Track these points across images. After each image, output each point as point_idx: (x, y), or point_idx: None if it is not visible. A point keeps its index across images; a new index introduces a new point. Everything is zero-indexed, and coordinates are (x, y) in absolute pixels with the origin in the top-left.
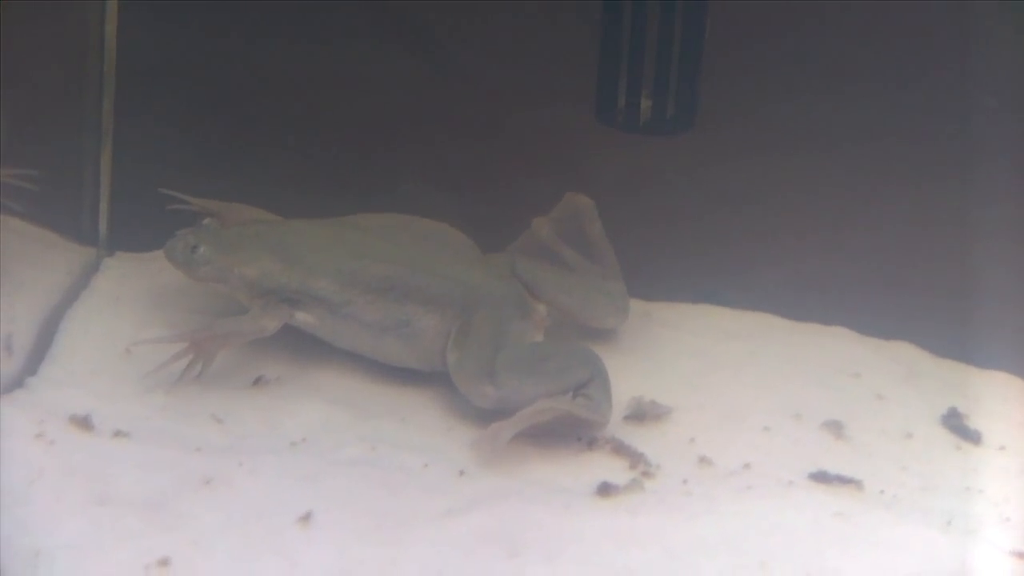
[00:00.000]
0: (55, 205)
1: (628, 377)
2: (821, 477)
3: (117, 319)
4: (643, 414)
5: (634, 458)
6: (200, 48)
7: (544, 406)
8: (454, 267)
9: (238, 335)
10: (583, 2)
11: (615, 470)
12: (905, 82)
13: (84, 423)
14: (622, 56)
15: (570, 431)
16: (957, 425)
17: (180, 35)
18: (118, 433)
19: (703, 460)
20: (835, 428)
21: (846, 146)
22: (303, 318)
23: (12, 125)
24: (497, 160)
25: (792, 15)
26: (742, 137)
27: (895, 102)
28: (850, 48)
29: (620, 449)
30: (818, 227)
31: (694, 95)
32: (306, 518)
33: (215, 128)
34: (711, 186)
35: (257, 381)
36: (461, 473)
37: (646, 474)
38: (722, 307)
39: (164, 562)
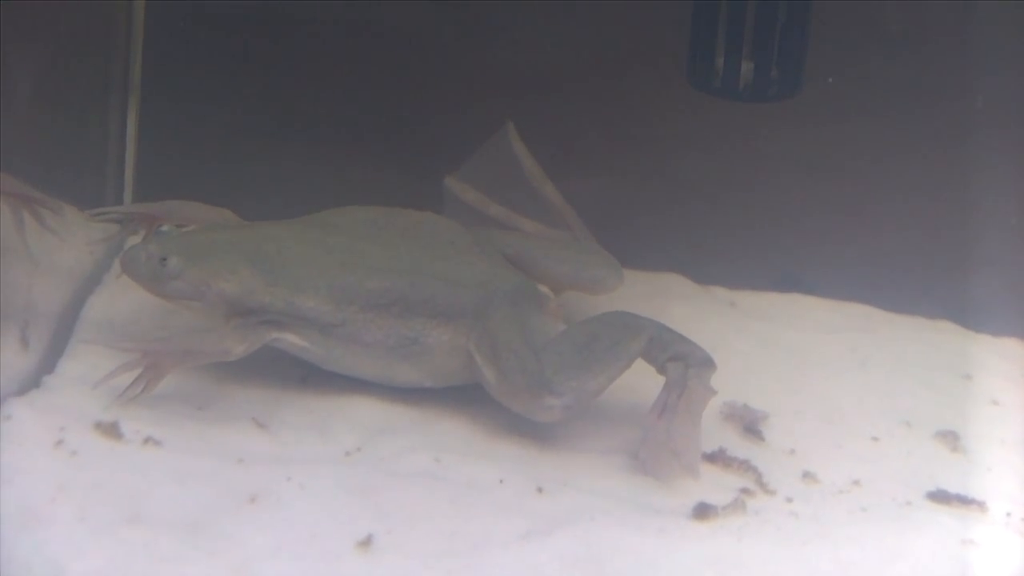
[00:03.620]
0: (77, 176)
1: (716, 377)
2: (941, 496)
3: (145, 305)
4: (737, 421)
5: (741, 470)
6: (230, 8)
7: (693, 410)
8: (457, 267)
9: (198, 355)
10: None
11: (713, 486)
12: None
13: (111, 430)
14: (719, 12)
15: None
16: None
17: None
18: (149, 440)
19: (808, 475)
20: (950, 439)
21: (967, 114)
22: (291, 341)
23: (35, 98)
24: (570, 125)
25: None
26: (841, 101)
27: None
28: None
29: (720, 460)
30: (922, 207)
31: (801, 57)
32: (366, 542)
33: (244, 98)
34: (800, 156)
35: (304, 378)
36: (540, 490)
37: (747, 492)
38: (814, 297)
39: None
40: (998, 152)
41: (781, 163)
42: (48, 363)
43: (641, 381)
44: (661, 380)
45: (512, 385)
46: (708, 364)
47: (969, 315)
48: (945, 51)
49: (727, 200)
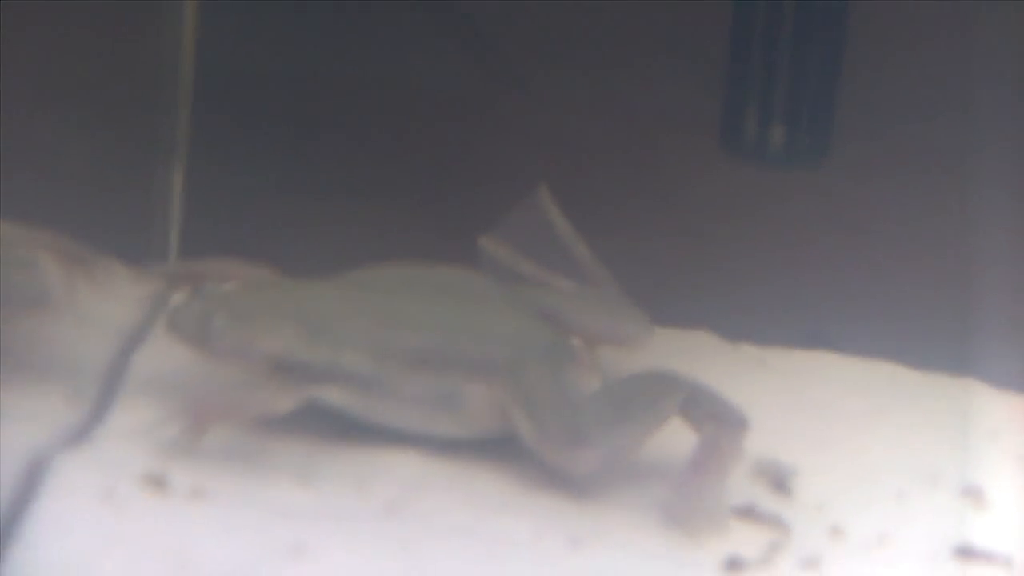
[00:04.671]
0: (124, 232)
1: (746, 436)
2: (967, 552)
3: (190, 361)
4: (766, 477)
5: (771, 525)
6: (276, 69)
7: (724, 469)
8: (492, 322)
9: (245, 410)
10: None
11: (743, 540)
12: None
13: (159, 482)
14: (752, 78)
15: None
16: None
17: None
18: (195, 493)
19: (835, 530)
20: (976, 494)
21: (988, 177)
22: (333, 396)
23: (84, 156)
24: (603, 186)
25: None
26: (868, 163)
27: None
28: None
29: (751, 515)
30: (948, 266)
31: (829, 123)
32: None
33: (286, 158)
34: (828, 216)
35: (344, 433)
36: (574, 544)
37: (777, 547)
38: (842, 355)
39: None
40: None
41: (809, 223)
42: (96, 416)
43: (672, 438)
44: (691, 436)
45: (549, 438)
46: (742, 425)
47: (995, 373)
48: (972, 112)
49: (756, 259)
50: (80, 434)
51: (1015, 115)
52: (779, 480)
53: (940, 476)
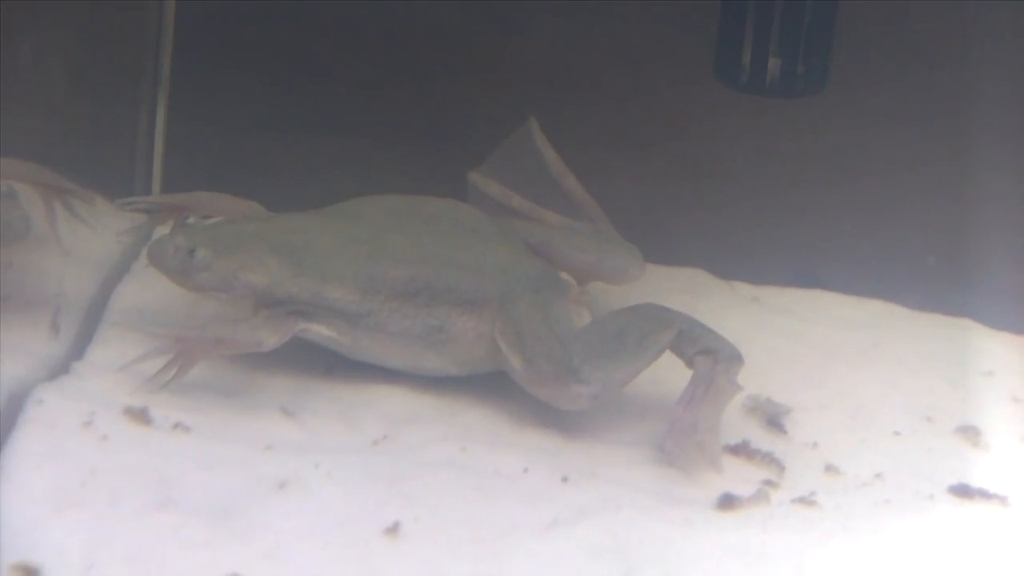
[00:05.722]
0: (105, 166)
1: (740, 371)
2: (963, 491)
3: (174, 295)
4: (760, 414)
5: (765, 463)
6: (261, 2)
7: (719, 405)
8: (481, 255)
9: (231, 344)
10: None
11: (736, 478)
12: None
13: (141, 415)
14: (747, 8)
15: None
16: None
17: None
18: (178, 426)
19: (830, 468)
20: (971, 434)
21: (989, 115)
22: (319, 331)
23: (67, 90)
24: (594, 121)
25: None
26: (864, 102)
27: None
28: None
29: (744, 452)
30: (943, 206)
31: (826, 53)
32: (393, 529)
33: (270, 91)
34: (823, 155)
35: (331, 368)
36: (565, 479)
37: (771, 484)
38: (835, 293)
39: None
40: (1019, 151)
41: (804, 162)
42: (78, 350)
43: (667, 373)
44: (686, 372)
45: (539, 372)
46: (736, 359)
47: (990, 313)
48: (967, 54)
49: (750, 197)
50: (62, 367)
51: (1012, 61)
52: (773, 418)
53: (936, 415)
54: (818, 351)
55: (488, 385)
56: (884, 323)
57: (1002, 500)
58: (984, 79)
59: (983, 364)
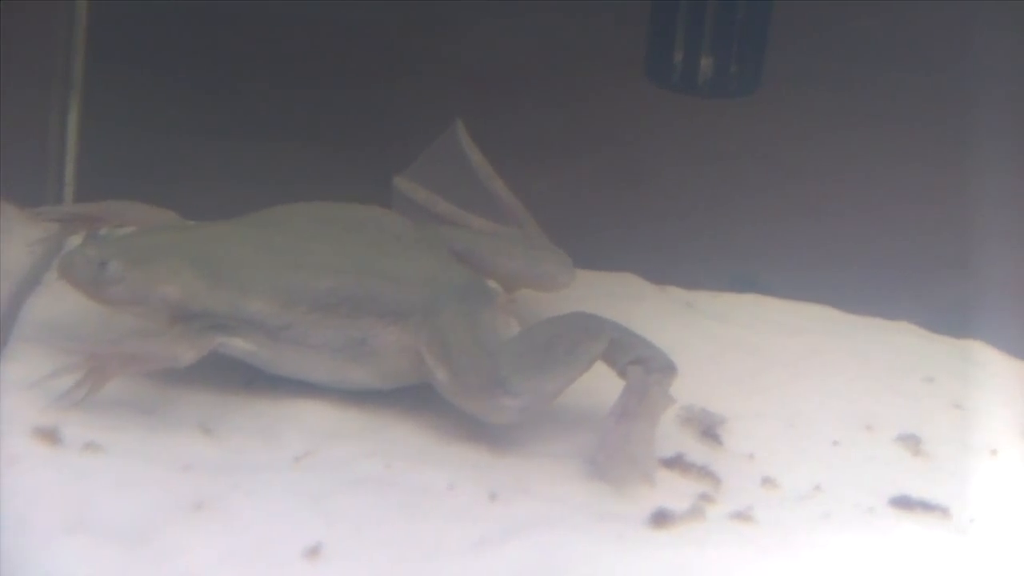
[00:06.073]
0: (16, 172)
1: (674, 381)
2: (904, 503)
3: (87, 308)
4: (695, 425)
5: (700, 476)
6: (176, 3)
7: (652, 416)
8: (405, 263)
9: (146, 360)
10: None
11: (671, 492)
12: None
13: (51, 435)
14: (678, 6)
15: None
16: None
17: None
18: (90, 446)
19: (768, 481)
20: (912, 443)
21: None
22: (238, 345)
23: None
24: (524, 122)
25: None
26: (801, 102)
27: None
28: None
29: (679, 465)
30: (882, 208)
31: (760, 53)
32: (315, 550)
33: (188, 94)
34: (758, 156)
35: (250, 383)
36: (493, 496)
37: (707, 499)
38: (773, 297)
39: None
40: (958, 152)
41: (739, 163)
42: None
43: (598, 384)
44: (618, 382)
45: (465, 385)
46: (670, 370)
47: (930, 317)
48: (908, 52)
49: (683, 199)
50: None
51: (952, 60)
52: (708, 428)
53: (875, 423)
54: (754, 358)
55: (414, 399)
56: (822, 328)
57: (944, 512)
58: (925, 78)
59: (923, 369)
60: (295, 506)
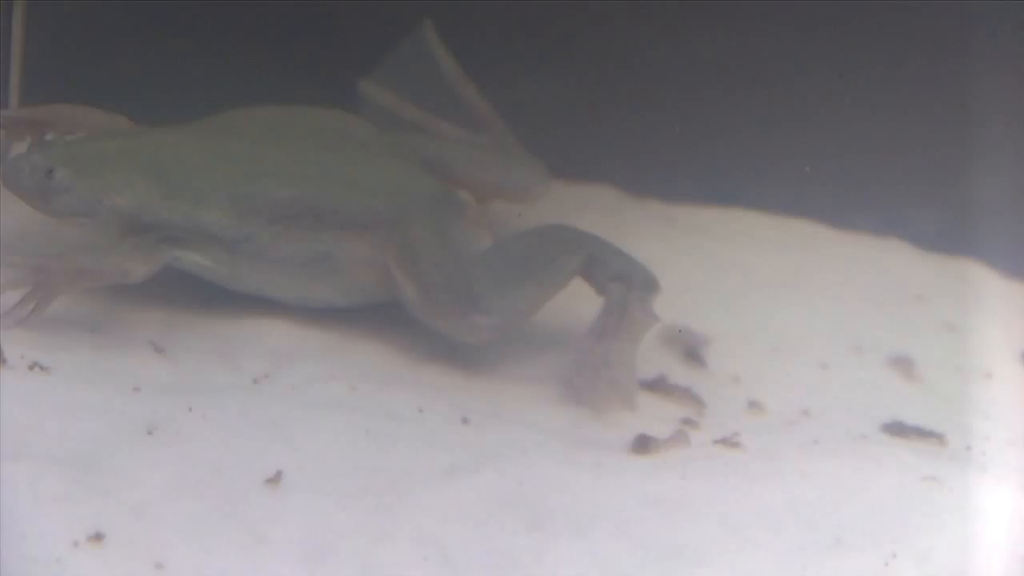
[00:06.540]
0: None
1: (656, 299)
2: (897, 429)
3: (33, 218)
4: (678, 345)
5: (683, 399)
6: None
7: (633, 336)
8: (371, 172)
9: (95, 275)
10: None
11: (653, 416)
12: None
13: None
14: None
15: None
16: None
17: None
18: (36, 367)
19: (754, 405)
20: (904, 365)
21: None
22: (192, 259)
23: None
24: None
25: None
26: (784, 10)
27: None
28: None
29: (661, 388)
30: (872, 120)
31: None
32: (275, 479)
33: None
34: (741, 68)
35: (207, 300)
36: (464, 420)
37: (690, 424)
38: (757, 212)
39: (97, 537)
40: (946, 64)
41: (721, 72)
42: None
43: (577, 301)
44: (596, 300)
45: (436, 303)
46: (652, 286)
47: (921, 233)
48: None
49: (664, 107)
50: None
51: None
52: (692, 349)
53: (865, 345)
54: (738, 275)
55: (381, 318)
56: (808, 244)
57: (940, 439)
58: None
59: (914, 288)
60: (254, 431)
